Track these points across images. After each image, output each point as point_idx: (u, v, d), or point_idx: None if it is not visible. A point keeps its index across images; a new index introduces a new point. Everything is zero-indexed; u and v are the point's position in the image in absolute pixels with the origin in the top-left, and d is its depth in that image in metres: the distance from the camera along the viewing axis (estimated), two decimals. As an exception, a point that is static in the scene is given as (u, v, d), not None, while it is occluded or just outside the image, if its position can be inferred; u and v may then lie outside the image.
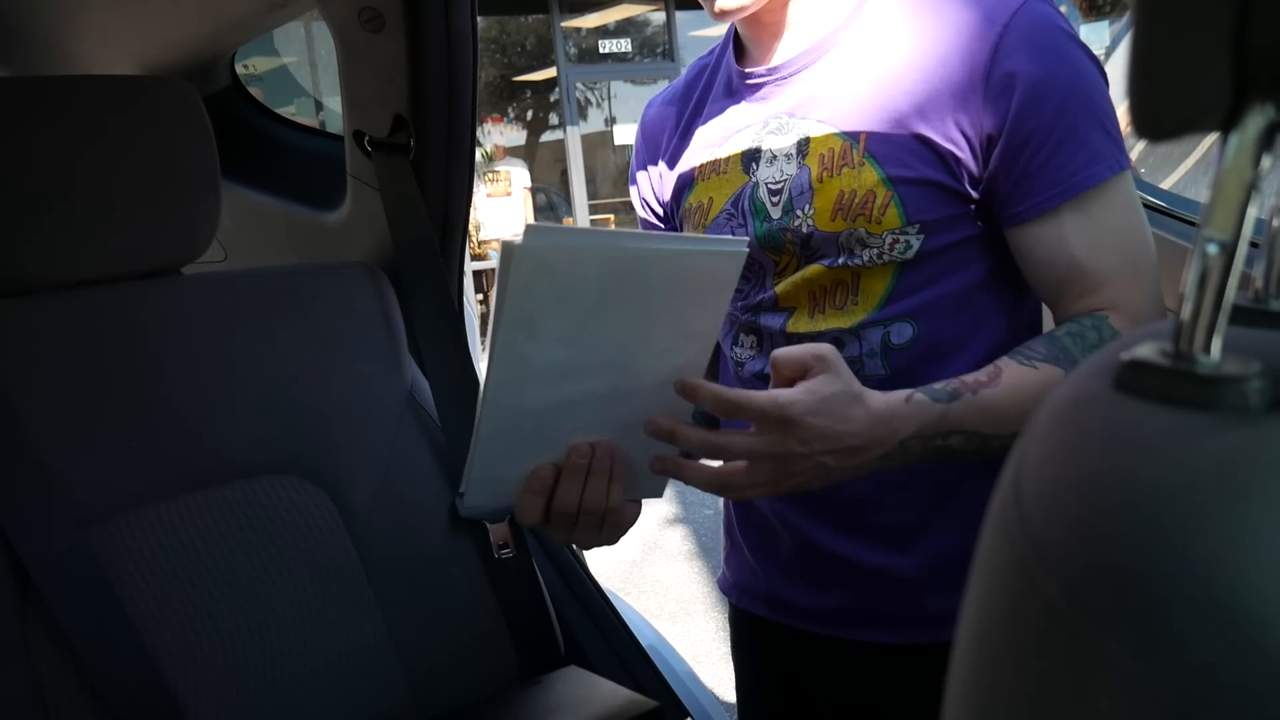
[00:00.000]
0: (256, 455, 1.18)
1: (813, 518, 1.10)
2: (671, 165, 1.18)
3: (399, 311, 1.33)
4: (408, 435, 1.28)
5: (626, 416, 0.91)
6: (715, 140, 1.11)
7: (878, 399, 0.88)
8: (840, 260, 1.01)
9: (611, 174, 11.03)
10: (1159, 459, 0.27)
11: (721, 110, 1.11)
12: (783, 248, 1.05)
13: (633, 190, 1.26)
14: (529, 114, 10.63)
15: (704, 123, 1.14)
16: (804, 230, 1.02)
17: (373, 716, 1.18)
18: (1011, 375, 0.91)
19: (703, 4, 1.03)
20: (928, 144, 0.96)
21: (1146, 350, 0.33)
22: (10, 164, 1.08)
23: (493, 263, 8.78)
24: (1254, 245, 0.38)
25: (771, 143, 1.05)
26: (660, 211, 1.23)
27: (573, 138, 9.38)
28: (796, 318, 1.05)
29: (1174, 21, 0.30)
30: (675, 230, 1.20)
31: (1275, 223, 0.39)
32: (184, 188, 1.18)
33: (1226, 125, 0.30)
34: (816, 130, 1.02)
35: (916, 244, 0.99)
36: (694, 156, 1.14)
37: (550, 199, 10.04)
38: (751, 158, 1.07)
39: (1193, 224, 1.21)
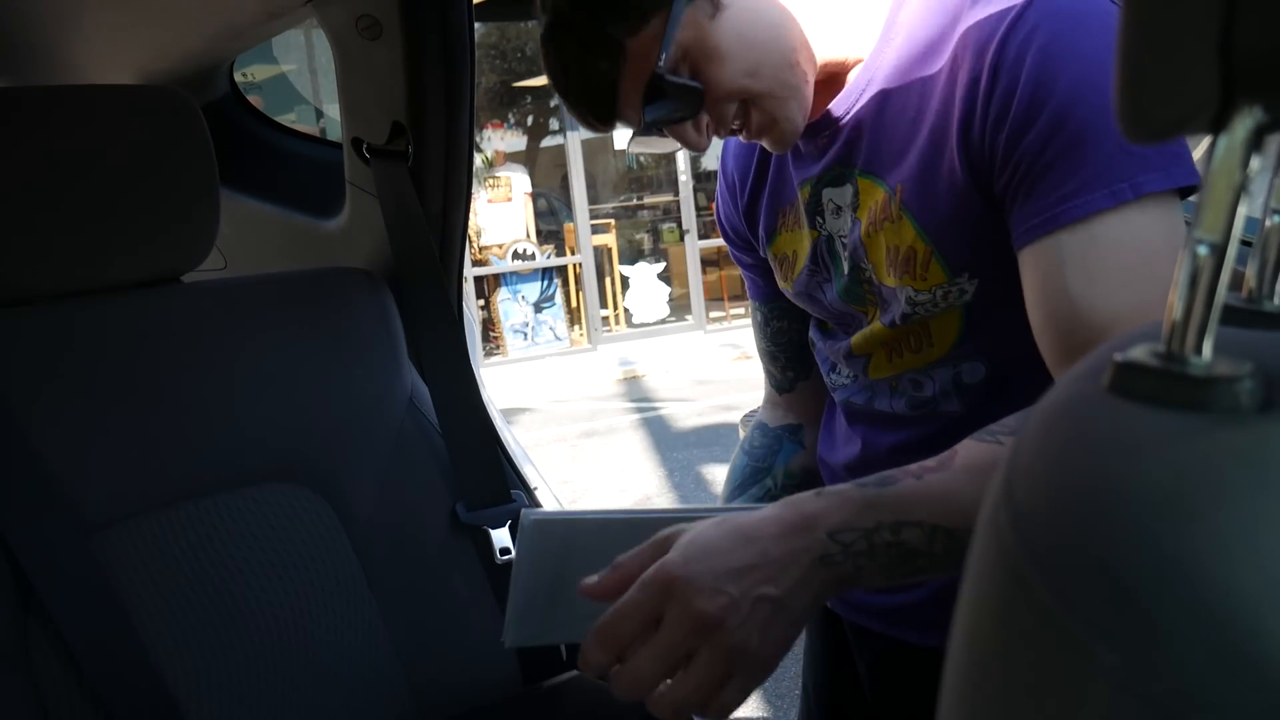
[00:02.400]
0: (257, 463, 1.18)
1: None
2: (751, 209, 1.16)
3: (398, 318, 1.33)
4: (408, 442, 1.29)
5: None
6: (783, 191, 1.11)
7: (767, 508, 0.80)
8: (905, 313, 0.97)
9: (611, 179, 11.04)
10: (1150, 461, 0.27)
11: (785, 160, 1.09)
12: (864, 299, 1.03)
13: (718, 217, 1.26)
14: (529, 119, 10.65)
15: (773, 169, 1.12)
16: (875, 282, 1.00)
17: (375, 722, 1.18)
18: (969, 455, 0.81)
19: (769, 146, 1.00)
20: (958, 181, 0.89)
21: (1138, 352, 0.33)
22: (10, 174, 1.09)
23: (494, 268, 8.79)
24: (1247, 244, 0.38)
25: (832, 194, 1.02)
26: (746, 246, 1.21)
27: (573, 143, 9.40)
28: (876, 363, 1.05)
29: (1161, 24, 0.30)
30: (762, 262, 1.19)
31: (1269, 223, 0.39)
32: (183, 196, 1.18)
33: (1215, 127, 0.30)
34: (865, 180, 0.99)
35: (971, 288, 0.94)
36: (769, 204, 1.13)
37: (551, 204, 10.06)
38: (815, 210, 1.05)
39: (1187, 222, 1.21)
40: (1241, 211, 0.31)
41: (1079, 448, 0.29)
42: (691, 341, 8.61)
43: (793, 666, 1.77)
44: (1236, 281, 0.34)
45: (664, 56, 0.89)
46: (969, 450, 0.81)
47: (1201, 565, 0.24)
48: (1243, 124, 0.29)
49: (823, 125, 1.01)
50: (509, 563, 1.27)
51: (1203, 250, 0.31)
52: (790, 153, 1.07)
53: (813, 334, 1.16)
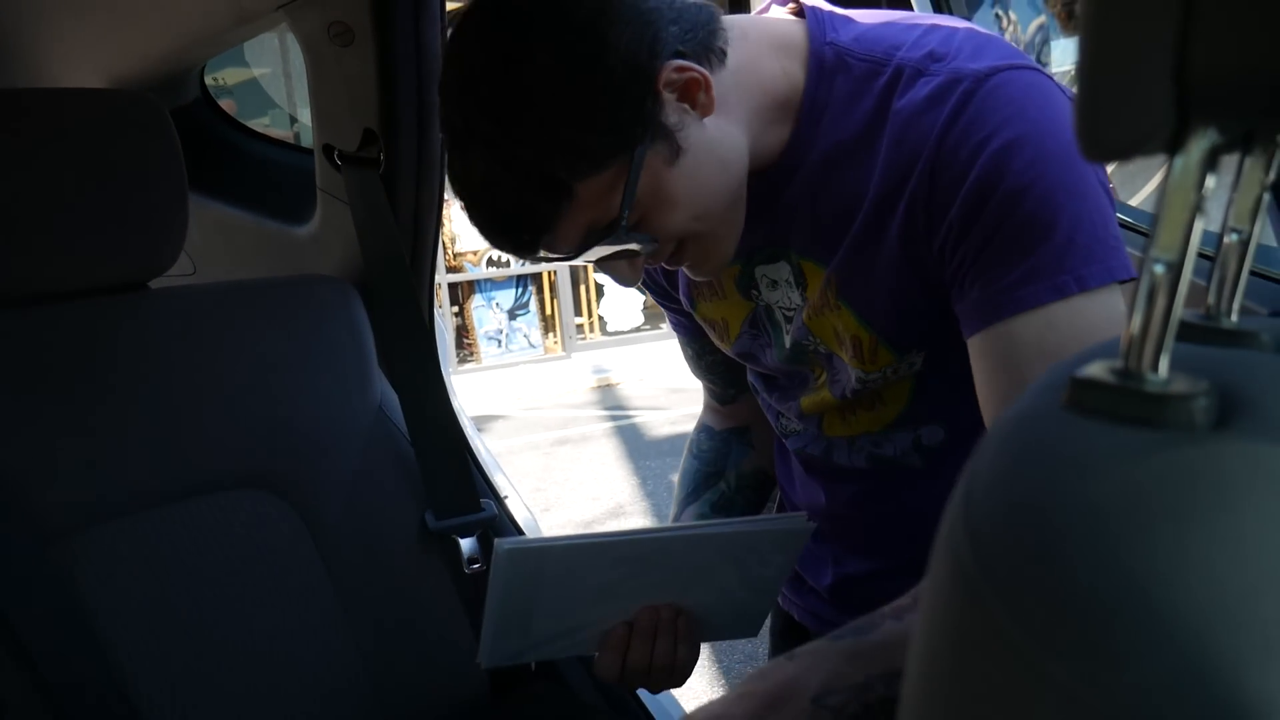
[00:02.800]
0: (224, 470, 1.17)
1: (864, 557, 1.08)
2: (668, 275, 1.12)
3: (369, 326, 1.32)
4: (377, 450, 1.28)
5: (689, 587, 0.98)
6: None
7: (733, 694, 0.78)
8: (855, 389, 0.96)
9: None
10: (1103, 477, 0.27)
11: None
12: (809, 361, 1.01)
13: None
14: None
15: None
16: (823, 351, 0.98)
17: (341, 733, 1.17)
18: None
19: (691, 274, 0.96)
20: (897, 270, 0.88)
21: (1096, 368, 0.33)
22: None
23: (468, 275, 8.77)
24: (1207, 259, 0.38)
25: (766, 270, 0.99)
26: (665, 295, 1.16)
27: (548, 150, 9.37)
28: (829, 421, 1.03)
29: (1117, 45, 0.30)
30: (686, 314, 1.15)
31: (1226, 240, 0.39)
32: (150, 201, 1.17)
33: (1171, 148, 0.30)
34: (806, 262, 0.95)
35: (919, 360, 0.93)
36: (683, 274, 1.08)
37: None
38: (749, 285, 1.01)
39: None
40: (1198, 229, 0.31)
41: (1034, 464, 0.30)
42: (665, 350, 8.60)
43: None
44: (1195, 297, 0.34)
45: (627, 211, 0.82)
46: None
47: (1153, 583, 0.24)
48: (1198, 145, 0.30)
49: (752, 207, 0.95)
50: (478, 572, 1.27)
51: (1159, 269, 0.32)
52: None
53: (753, 381, 1.13)
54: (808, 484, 1.10)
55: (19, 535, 1.02)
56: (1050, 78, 0.85)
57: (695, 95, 0.83)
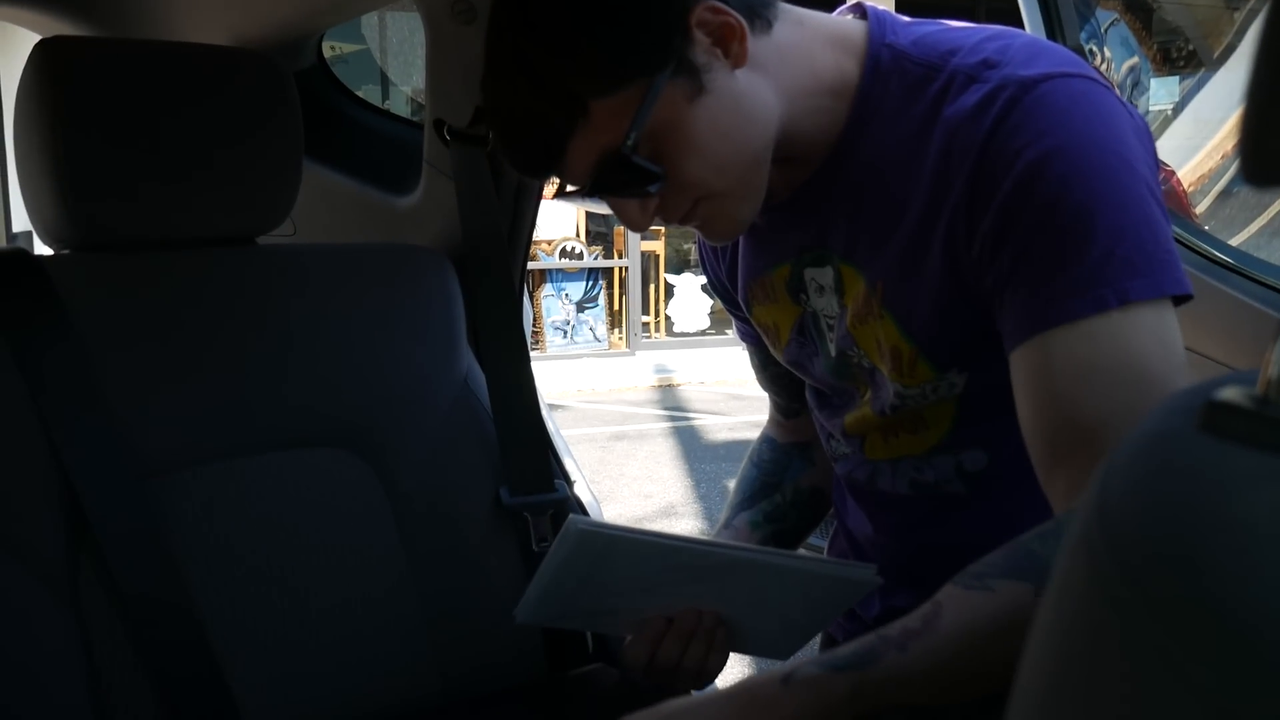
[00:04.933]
0: (310, 427, 1.20)
1: (910, 589, 1.06)
2: (731, 273, 1.13)
3: (461, 300, 1.35)
4: (458, 422, 1.30)
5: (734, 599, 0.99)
6: (754, 264, 1.06)
7: (736, 690, 0.77)
8: (894, 404, 0.95)
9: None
10: (1247, 496, 0.28)
11: (755, 234, 1.04)
12: (855, 376, 1.01)
13: (704, 269, 1.22)
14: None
15: (744, 241, 1.08)
16: (866, 365, 0.98)
17: (400, 694, 1.20)
18: (958, 615, 0.74)
19: (707, 237, 0.97)
20: (943, 281, 0.87)
21: (1232, 393, 0.34)
22: (103, 122, 1.11)
23: (541, 264, 8.84)
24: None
25: (815, 274, 0.98)
26: (732, 301, 1.17)
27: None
28: (871, 443, 1.02)
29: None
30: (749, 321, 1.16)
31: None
32: (267, 161, 1.21)
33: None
34: (846, 267, 0.95)
35: (961, 381, 0.92)
36: (743, 276, 1.09)
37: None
38: (798, 288, 1.01)
39: (1261, 283, 1.21)
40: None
41: (1176, 478, 0.30)
42: (729, 355, 8.59)
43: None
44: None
45: (633, 134, 0.81)
46: (957, 605, 0.75)
47: None
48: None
49: (800, 204, 0.96)
50: (545, 550, 1.29)
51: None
52: (765, 227, 1.01)
53: (810, 399, 1.13)
54: (855, 512, 1.10)
55: (119, 471, 1.06)
56: (1108, 87, 0.83)
57: (729, 42, 0.84)
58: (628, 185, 0.86)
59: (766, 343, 1.12)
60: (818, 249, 0.97)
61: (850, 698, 0.73)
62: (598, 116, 0.82)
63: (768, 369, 1.22)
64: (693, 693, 0.82)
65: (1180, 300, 0.80)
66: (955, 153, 0.84)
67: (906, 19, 0.94)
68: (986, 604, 0.74)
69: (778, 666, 0.79)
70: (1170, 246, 0.79)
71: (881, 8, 0.94)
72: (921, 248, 0.87)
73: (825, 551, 1.21)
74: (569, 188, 0.88)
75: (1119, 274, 0.77)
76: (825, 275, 0.97)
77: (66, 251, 1.17)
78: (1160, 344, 0.78)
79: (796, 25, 0.91)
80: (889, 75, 0.89)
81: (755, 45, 0.86)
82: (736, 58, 0.84)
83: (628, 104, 0.81)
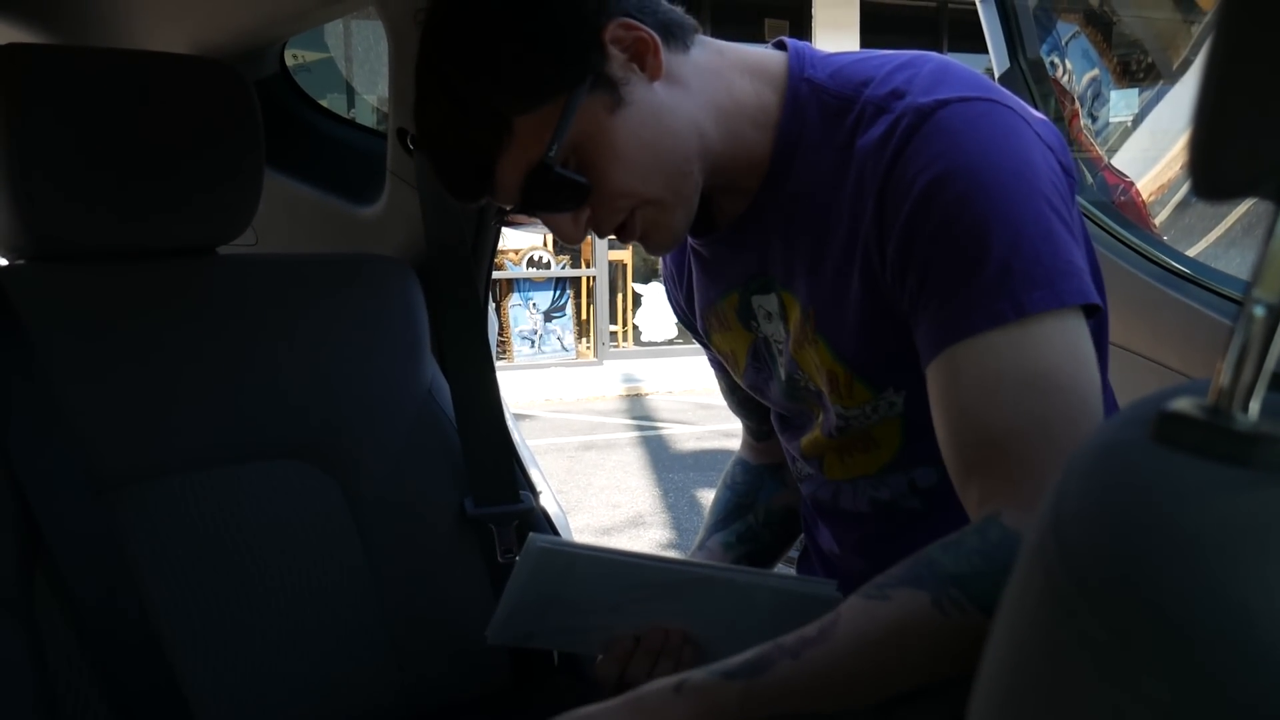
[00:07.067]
0: (271, 439, 1.19)
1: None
2: (689, 303, 1.15)
3: (424, 310, 1.34)
4: (422, 433, 1.30)
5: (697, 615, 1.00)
6: (706, 294, 1.09)
7: (628, 697, 0.79)
8: (839, 425, 0.98)
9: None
10: (1198, 509, 0.28)
11: (705, 264, 1.07)
12: (806, 399, 1.03)
13: (669, 298, 1.24)
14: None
15: (695, 271, 1.10)
16: (813, 388, 1.00)
17: (362, 706, 1.18)
18: (853, 622, 0.75)
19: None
20: (866, 304, 0.89)
21: (1184, 404, 0.34)
22: (61, 131, 1.10)
23: (508, 273, 8.82)
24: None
25: (762, 301, 1.01)
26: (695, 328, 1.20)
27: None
28: (829, 464, 1.04)
29: (1235, 90, 0.31)
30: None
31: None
32: (228, 170, 1.20)
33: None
34: (785, 294, 0.98)
35: (900, 400, 0.93)
36: (698, 305, 1.12)
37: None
38: (749, 316, 1.03)
39: (1216, 293, 1.23)
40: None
41: (1128, 490, 0.31)
42: (697, 365, 8.61)
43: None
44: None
45: (555, 146, 0.84)
46: (854, 614, 0.76)
47: (1252, 612, 0.25)
48: (1310, 193, 0.31)
49: (743, 233, 0.98)
50: (510, 561, 1.28)
51: (1259, 311, 0.32)
52: (710, 258, 1.05)
53: (774, 422, 1.15)
54: (822, 530, 1.11)
55: (75, 483, 1.04)
56: (1010, 108, 0.85)
57: (644, 56, 0.87)
58: (556, 198, 0.89)
59: (729, 369, 1.14)
60: (762, 276, 1.00)
61: (741, 704, 0.74)
62: (522, 133, 0.85)
63: (735, 393, 1.24)
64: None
65: (1091, 311, 0.81)
66: (865, 181, 0.86)
67: (825, 51, 0.97)
68: (881, 611, 0.75)
69: (671, 675, 0.81)
70: (1072, 258, 0.81)
71: (801, 42, 0.97)
72: (845, 275, 0.90)
73: (795, 569, 1.22)
74: (509, 211, 0.91)
75: (1017, 287, 0.78)
76: (770, 302, 1.00)
77: (22, 261, 1.15)
78: (1066, 353, 0.79)
79: (716, 54, 0.94)
80: (807, 107, 0.92)
81: (672, 61, 0.89)
82: (653, 70, 0.88)
83: (549, 119, 0.84)
